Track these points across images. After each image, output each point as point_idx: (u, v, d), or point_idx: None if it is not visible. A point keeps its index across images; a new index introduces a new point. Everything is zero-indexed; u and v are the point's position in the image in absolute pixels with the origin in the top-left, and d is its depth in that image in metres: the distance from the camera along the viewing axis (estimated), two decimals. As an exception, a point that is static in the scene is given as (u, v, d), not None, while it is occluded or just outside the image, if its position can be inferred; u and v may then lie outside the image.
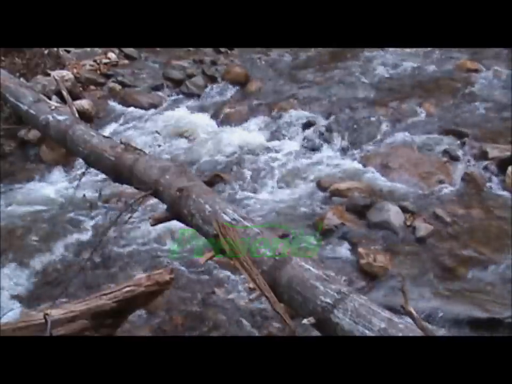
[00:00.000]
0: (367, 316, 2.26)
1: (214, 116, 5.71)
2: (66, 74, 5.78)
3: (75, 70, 6.17)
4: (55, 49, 6.08)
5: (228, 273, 3.74)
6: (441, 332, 3.19)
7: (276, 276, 2.57)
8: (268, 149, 5.18)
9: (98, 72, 6.38)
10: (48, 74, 5.64)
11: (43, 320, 2.53)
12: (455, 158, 4.79)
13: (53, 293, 3.50)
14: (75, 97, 5.44)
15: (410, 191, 4.47)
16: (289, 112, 5.52)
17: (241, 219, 2.87)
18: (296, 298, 2.48)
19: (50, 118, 4.47)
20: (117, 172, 3.76)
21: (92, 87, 6.15)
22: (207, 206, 3.01)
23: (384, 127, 5.29)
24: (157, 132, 5.41)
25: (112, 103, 5.97)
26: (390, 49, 6.51)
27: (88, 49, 6.56)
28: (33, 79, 5.62)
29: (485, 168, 4.63)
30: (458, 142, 4.96)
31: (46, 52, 5.98)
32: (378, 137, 5.18)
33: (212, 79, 6.36)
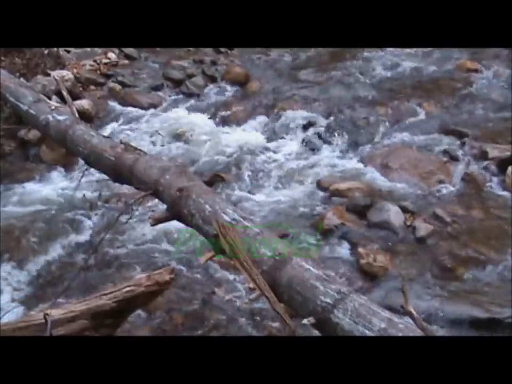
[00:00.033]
0: (367, 315, 2.26)
1: (214, 116, 5.71)
2: (66, 74, 5.77)
3: (75, 70, 6.16)
4: (55, 49, 6.08)
5: (228, 273, 3.74)
6: (441, 332, 3.19)
7: (276, 276, 2.57)
8: (268, 149, 5.17)
9: (98, 72, 6.37)
10: (48, 74, 5.63)
11: (43, 320, 2.53)
12: (455, 158, 4.79)
13: (53, 293, 3.50)
14: (75, 97, 5.43)
15: (410, 191, 4.47)
16: (289, 112, 5.52)
17: (241, 219, 2.88)
18: (296, 298, 2.48)
19: (50, 118, 4.47)
20: (117, 171, 3.76)
21: (92, 87, 6.15)
22: (207, 206, 3.01)
23: (384, 127, 5.29)
24: (157, 131, 5.41)
25: (112, 103, 5.96)
26: (390, 49, 6.52)
27: (88, 49, 6.56)
28: (33, 79, 5.61)
29: (485, 168, 4.63)
30: (458, 142, 4.96)
31: (46, 52, 5.98)
32: (378, 137, 5.19)
33: (212, 79, 6.36)
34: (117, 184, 4.07)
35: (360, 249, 3.82)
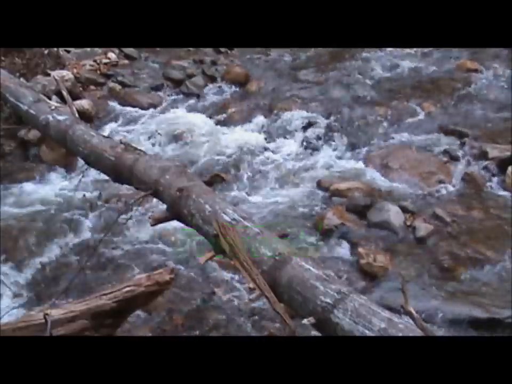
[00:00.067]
0: (367, 315, 2.26)
1: (214, 116, 5.70)
2: (66, 74, 5.77)
3: (75, 70, 6.16)
4: (55, 49, 6.08)
5: (228, 273, 3.74)
6: (441, 332, 3.19)
7: (276, 276, 2.57)
8: (268, 149, 5.17)
9: (98, 72, 6.37)
10: (48, 74, 5.63)
11: (43, 320, 2.53)
12: (455, 158, 4.79)
13: (53, 293, 3.50)
14: (75, 97, 5.43)
15: (410, 191, 4.47)
16: (289, 112, 5.52)
17: (241, 219, 2.87)
18: (296, 298, 2.48)
19: (50, 118, 4.47)
20: (117, 172, 3.76)
21: (92, 87, 6.15)
22: (207, 206, 3.01)
23: (384, 127, 5.29)
24: (156, 131, 5.41)
25: (112, 103, 5.96)
26: (390, 49, 6.51)
27: (88, 49, 6.56)
28: (33, 79, 5.61)
29: (485, 168, 4.63)
30: (458, 142, 4.96)
31: (46, 52, 5.98)
32: (378, 137, 5.19)
33: (212, 79, 6.35)
34: (117, 184, 4.07)
35: (360, 249, 3.83)
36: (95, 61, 6.47)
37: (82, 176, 4.45)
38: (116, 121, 5.68)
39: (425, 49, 6.52)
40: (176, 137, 5.36)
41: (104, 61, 6.52)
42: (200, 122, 5.56)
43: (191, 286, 3.68)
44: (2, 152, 5.13)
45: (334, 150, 5.12)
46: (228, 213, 2.92)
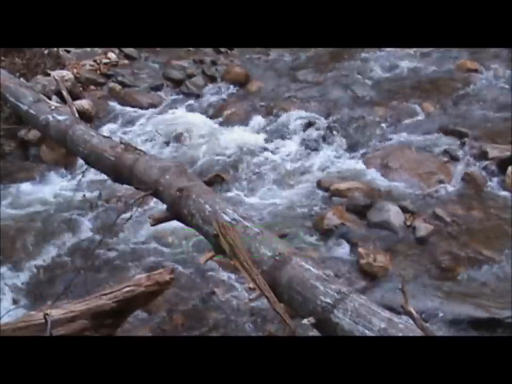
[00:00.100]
0: (367, 315, 2.26)
1: (214, 116, 5.70)
2: (66, 74, 5.77)
3: (75, 70, 6.16)
4: (55, 49, 6.08)
5: (228, 273, 3.74)
6: (441, 332, 3.19)
7: (276, 276, 2.57)
8: (267, 150, 5.17)
9: (98, 72, 6.37)
10: (48, 74, 5.63)
11: (43, 320, 2.53)
12: (455, 158, 4.79)
13: (53, 293, 3.50)
14: (75, 97, 5.43)
15: (410, 191, 4.47)
16: (289, 112, 5.52)
17: (241, 219, 2.88)
18: (296, 298, 2.48)
19: (50, 118, 4.47)
20: (117, 171, 3.76)
21: (92, 87, 6.15)
22: (207, 206, 3.01)
23: (384, 127, 5.29)
24: (156, 131, 5.41)
25: (112, 103, 5.96)
26: (390, 49, 6.51)
27: (88, 49, 6.56)
28: (33, 79, 5.61)
29: (485, 168, 4.63)
30: (458, 142, 4.96)
31: (46, 52, 5.98)
32: (378, 137, 5.19)
33: (212, 79, 6.35)
34: (117, 184, 4.07)
35: (360, 249, 3.82)
36: (95, 61, 6.47)
37: (82, 176, 4.45)
38: (116, 121, 5.68)
39: (425, 50, 6.52)
40: (175, 137, 5.36)
41: (104, 61, 6.52)
42: (200, 122, 5.56)
43: (191, 286, 3.68)
44: (2, 152, 5.14)
45: (334, 150, 5.11)
46: (228, 213, 2.92)
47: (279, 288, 2.55)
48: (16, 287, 3.76)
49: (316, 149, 5.14)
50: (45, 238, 4.17)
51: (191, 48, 6.81)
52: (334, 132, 5.24)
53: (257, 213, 4.27)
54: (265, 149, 5.17)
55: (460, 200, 4.35)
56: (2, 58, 5.75)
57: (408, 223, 4.09)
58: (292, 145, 5.21)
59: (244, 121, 5.56)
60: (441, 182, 4.55)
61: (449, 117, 5.38)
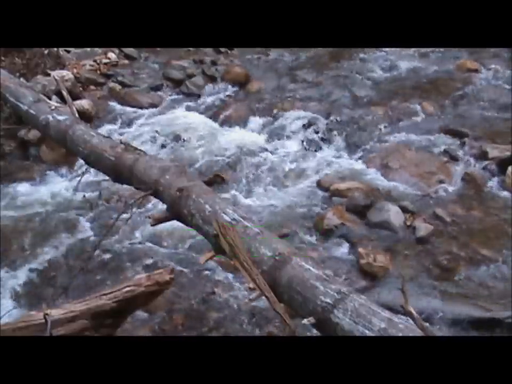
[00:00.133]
0: (367, 315, 2.26)
1: (214, 116, 5.70)
2: (66, 74, 5.77)
3: (75, 70, 6.16)
4: (55, 49, 6.08)
5: (228, 273, 3.74)
6: (441, 332, 3.19)
7: (276, 276, 2.57)
8: (267, 150, 5.17)
9: (98, 72, 6.37)
10: (48, 74, 5.63)
11: (43, 320, 2.53)
12: (455, 158, 4.79)
13: (53, 293, 3.50)
14: (75, 97, 5.43)
15: (410, 191, 4.47)
16: (289, 112, 5.52)
17: (241, 219, 2.88)
18: (296, 298, 2.48)
19: (50, 118, 4.47)
20: (117, 171, 3.76)
21: (92, 87, 6.15)
22: (207, 206, 3.01)
23: (384, 127, 5.29)
24: (156, 131, 5.41)
25: (112, 103, 5.96)
26: (390, 49, 6.52)
27: (88, 49, 6.56)
28: (33, 79, 5.61)
29: (485, 168, 4.63)
30: (458, 142, 4.96)
31: (46, 52, 5.98)
32: (378, 137, 5.19)
33: (212, 79, 6.35)
34: (117, 184, 4.07)
35: (360, 249, 3.82)
36: (95, 61, 6.47)
37: (82, 176, 4.45)
38: (116, 121, 5.68)
39: (424, 50, 6.53)
40: (175, 137, 5.36)
41: (104, 61, 6.52)
42: (200, 122, 5.56)
43: (191, 286, 3.68)
44: (2, 152, 5.14)
45: (334, 150, 5.12)
46: (228, 213, 2.92)
47: (279, 288, 2.55)
48: (16, 287, 3.76)
49: (315, 149, 5.14)
50: (45, 238, 4.17)
51: (191, 48, 6.81)
52: (334, 132, 5.24)
53: (257, 213, 4.27)
54: (265, 149, 5.17)
55: (459, 200, 4.35)
56: (2, 58, 5.75)
57: (408, 223, 4.09)
58: (292, 146, 5.21)
59: (244, 122, 5.56)
60: (441, 182, 4.55)
61: (449, 117, 5.38)
